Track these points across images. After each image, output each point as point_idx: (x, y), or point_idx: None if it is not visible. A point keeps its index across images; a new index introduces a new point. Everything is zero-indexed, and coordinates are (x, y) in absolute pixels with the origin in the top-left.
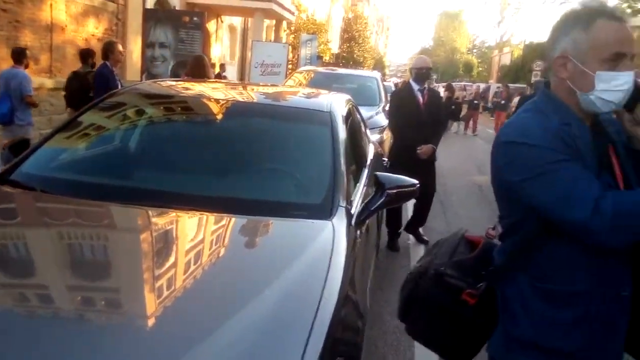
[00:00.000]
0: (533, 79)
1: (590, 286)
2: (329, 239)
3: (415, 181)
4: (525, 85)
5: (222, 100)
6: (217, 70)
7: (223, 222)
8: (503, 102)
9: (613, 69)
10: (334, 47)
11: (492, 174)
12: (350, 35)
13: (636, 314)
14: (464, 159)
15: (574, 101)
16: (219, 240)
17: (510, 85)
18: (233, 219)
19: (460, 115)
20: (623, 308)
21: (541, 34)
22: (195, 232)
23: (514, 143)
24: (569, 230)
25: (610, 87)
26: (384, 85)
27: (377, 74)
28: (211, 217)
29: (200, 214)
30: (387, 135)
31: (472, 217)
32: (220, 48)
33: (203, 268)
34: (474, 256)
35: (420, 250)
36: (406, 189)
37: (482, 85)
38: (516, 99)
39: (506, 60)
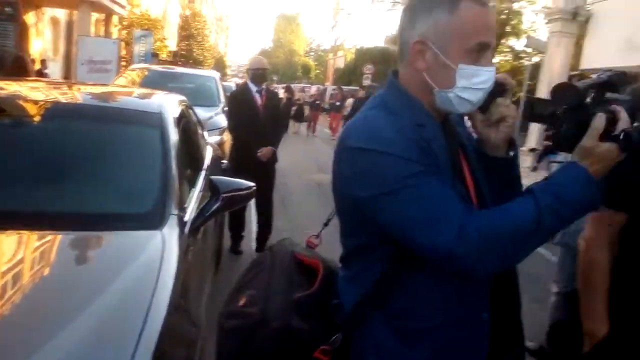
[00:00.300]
0: (364, 82)
1: (451, 314)
2: (158, 250)
3: (252, 184)
4: (357, 88)
5: (40, 101)
6: (37, 66)
7: (41, 240)
8: (338, 103)
9: (475, 62)
10: (172, 44)
11: (334, 183)
12: (189, 33)
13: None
14: (304, 158)
15: (427, 98)
16: (37, 260)
17: (344, 87)
18: (52, 236)
19: (304, 116)
20: (484, 333)
21: (370, 39)
22: (10, 253)
23: (361, 150)
24: (429, 255)
25: (471, 85)
26: (223, 85)
27: (215, 74)
28: (28, 235)
29: (17, 233)
30: (228, 137)
31: (312, 214)
32: (42, 42)
33: (22, 292)
34: (315, 292)
35: None
36: (242, 192)
37: (321, 87)
38: (350, 100)
39: (340, 63)
